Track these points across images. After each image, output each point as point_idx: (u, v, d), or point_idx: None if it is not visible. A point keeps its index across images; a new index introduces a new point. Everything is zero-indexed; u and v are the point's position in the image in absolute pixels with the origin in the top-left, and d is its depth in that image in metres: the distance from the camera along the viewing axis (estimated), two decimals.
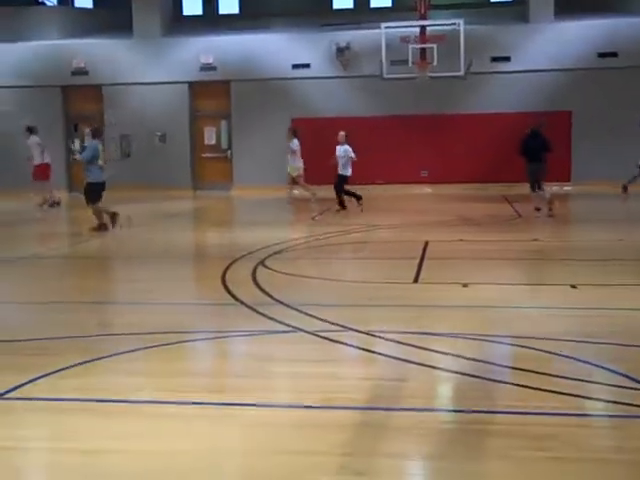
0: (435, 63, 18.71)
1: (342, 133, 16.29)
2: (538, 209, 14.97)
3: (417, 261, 9.66)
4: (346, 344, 5.92)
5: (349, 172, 16.05)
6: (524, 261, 10.00)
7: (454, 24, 18.77)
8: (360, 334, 6.13)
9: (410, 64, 18.94)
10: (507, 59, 21.80)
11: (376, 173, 21.65)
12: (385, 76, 19.19)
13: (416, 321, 6.56)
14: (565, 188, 21.10)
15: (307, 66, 22.59)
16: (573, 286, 7.88)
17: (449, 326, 6.39)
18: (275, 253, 10.56)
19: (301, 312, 6.83)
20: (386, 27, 18.91)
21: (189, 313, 7.26)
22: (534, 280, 8.71)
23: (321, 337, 6.03)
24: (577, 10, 21.82)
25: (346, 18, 23.77)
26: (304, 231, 13.36)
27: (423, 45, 18.93)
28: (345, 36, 22.41)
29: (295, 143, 17.41)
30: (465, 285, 8.07)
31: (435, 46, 18.69)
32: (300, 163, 17.36)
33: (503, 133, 21.49)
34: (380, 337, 6.03)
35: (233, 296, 7.68)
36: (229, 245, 12.34)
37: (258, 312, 6.90)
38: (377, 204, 17.51)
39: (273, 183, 21.09)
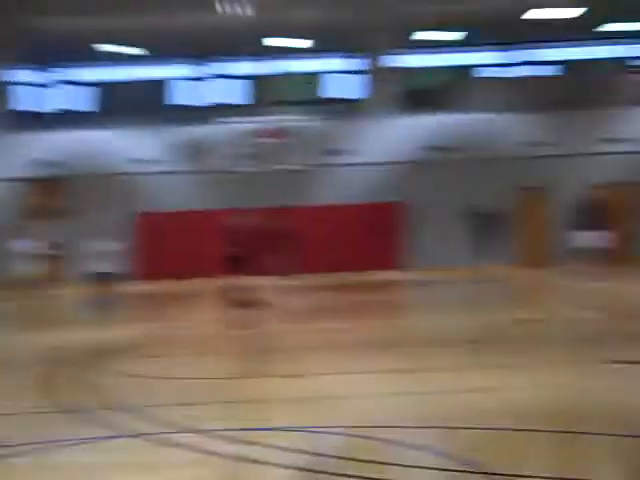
0: (280, 157, 19.10)
1: None
2: None
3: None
4: (177, 446, 5.63)
5: None
6: (362, 349, 10.02)
7: (301, 120, 19.26)
8: (191, 434, 5.86)
9: (255, 158, 19.23)
10: (342, 152, 22.51)
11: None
12: (233, 169, 19.34)
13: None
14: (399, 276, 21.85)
15: (149, 161, 22.58)
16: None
17: (286, 419, 6.25)
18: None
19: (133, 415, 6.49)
20: (232, 122, 19.17)
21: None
22: (376, 368, 8.73)
23: (150, 441, 5.72)
24: (410, 107, 23.02)
25: (187, 113, 24.04)
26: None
27: (268, 140, 19.25)
28: (188, 131, 22.58)
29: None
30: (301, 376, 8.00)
31: (281, 141, 19.09)
32: None
33: (340, 224, 22.19)
34: (211, 436, 5.79)
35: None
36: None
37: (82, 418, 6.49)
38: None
39: None
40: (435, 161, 22.47)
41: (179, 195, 22.43)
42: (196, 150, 22.43)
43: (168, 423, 6.16)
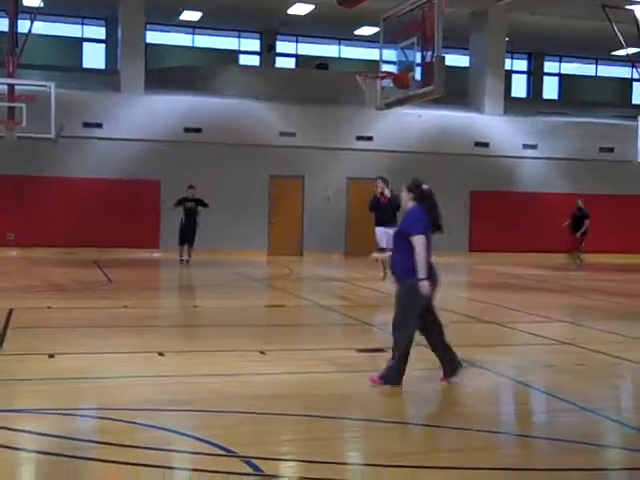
0: (25, 124, 18.11)
1: None
2: None
3: None
4: None
5: None
6: (113, 328, 10.00)
7: (45, 86, 18.39)
8: None
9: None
10: (99, 125, 21.96)
11: None
12: None
13: None
14: (155, 255, 21.79)
15: None
16: (160, 353, 8.12)
17: (33, 402, 6.15)
18: None
19: None
20: None
21: None
22: (123, 348, 8.75)
23: None
24: (165, 85, 22.89)
25: None
26: None
27: (11, 104, 18.23)
28: None
29: None
30: (51, 355, 7.84)
31: (24, 106, 18.11)
32: None
33: (95, 198, 21.65)
34: None
35: None
36: None
37: None
38: None
39: None
40: (188, 142, 22.51)
41: None
42: None
43: None
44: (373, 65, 28.69)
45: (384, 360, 7.07)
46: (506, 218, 24.55)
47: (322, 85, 24.21)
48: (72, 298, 12.73)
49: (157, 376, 7.16)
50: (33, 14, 19.41)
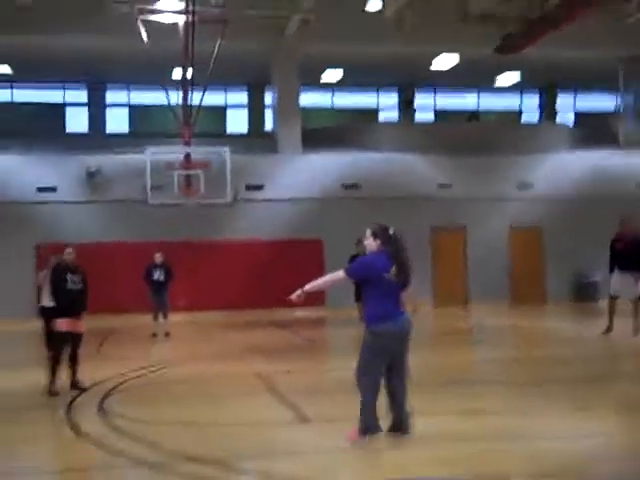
0: (202, 190, 18.44)
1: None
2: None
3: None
4: None
5: None
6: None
7: (219, 152, 18.78)
8: None
9: (175, 190, 18.48)
10: (260, 187, 22.26)
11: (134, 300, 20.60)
12: (150, 202, 18.51)
13: None
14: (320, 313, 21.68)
15: (54, 190, 21.42)
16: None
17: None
18: None
19: None
20: (153, 152, 18.36)
21: None
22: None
23: None
24: (323, 144, 23.06)
25: (91, 142, 23.05)
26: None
27: (189, 172, 18.60)
28: (94, 160, 21.58)
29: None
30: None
31: (201, 173, 18.47)
32: None
33: (258, 259, 21.88)
34: None
35: None
36: None
37: None
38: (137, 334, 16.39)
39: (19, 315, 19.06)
40: (347, 198, 22.56)
41: (88, 226, 21.32)
42: (102, 179, 21.56)
43: None
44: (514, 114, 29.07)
45: None
46: None
47: (475, 136, 23.98)
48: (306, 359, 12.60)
49: None
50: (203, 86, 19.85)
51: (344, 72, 26.17)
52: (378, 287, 6.55)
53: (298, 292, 6.79)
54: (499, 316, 19.74)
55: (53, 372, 9.54)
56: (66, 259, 9.78)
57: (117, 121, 27.23)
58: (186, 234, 21.36)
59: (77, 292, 9.72)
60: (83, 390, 9.72)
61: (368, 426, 6.53)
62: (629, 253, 13.49)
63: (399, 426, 6.66)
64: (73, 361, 9.84)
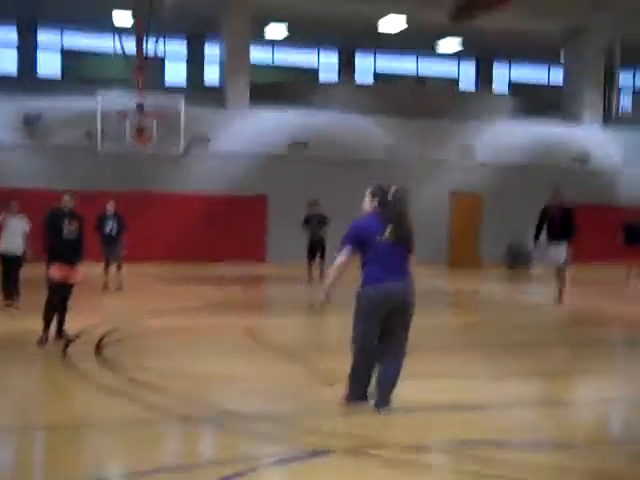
0: (155, 139, 17.90)
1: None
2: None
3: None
4: None
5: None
6: None
7: (174, 102, 18.24)
8: None
9: (128, 139, 17.86)
10: (207, 141, 21.79)
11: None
12: (100, 149, 17.85)
13: None
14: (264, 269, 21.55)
15: None
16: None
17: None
18: None
19: None
20: (104, 99, 17.66)
21: None
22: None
23: None
24: (270, 100, 22.72)
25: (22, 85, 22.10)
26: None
27: (143, 121, 17.98)
28: (32, 104, 20.65)
29: None
30: None
31: (155, 122, 17.91)
32: None
33: (201, 214, 21.56)
34: None
35: None
36: None
37: None
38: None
39: None
40: (294, 157, 22.39)
41: (29, 173, 20.42)
42: (42, 125, 20.66)
43: None
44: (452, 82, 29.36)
45: None
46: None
47: (421, 100, 24.12)
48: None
49: None
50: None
51: (288, 28, 25.79)
52: (371, 250, 6.22)
53: (323, 298, 6.42)
54: (440, 279, 20.09)
55: (46, 320, 9.21)
56: (64, 206, 9.33)
57: (49, 65, 26.04)
58: (131, 185, 20.75)
59: (73, 241, 9.32)
60: (70, 340, 9.43)
61: (354, 394, 6.30)
62: (557, 223, 13.88)
63: (380, 399, 6.28)
64: (62, 310, 9.49)
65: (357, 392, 6.29)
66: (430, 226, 23.47)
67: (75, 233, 9.34)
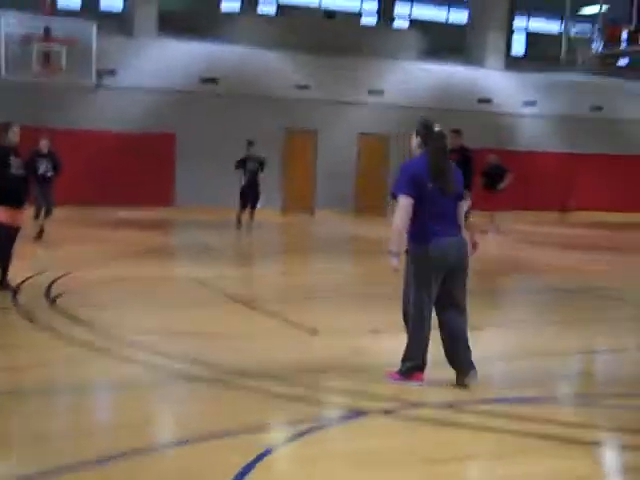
0: (64, 69, 16.76)
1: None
2: None
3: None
4: None
5: None
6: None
7: (84, 28, 17.09)
8: None
9: (34, 67, 16.63)
10: (112, 73, 20.53)
11: None
12: (3, 77, 16.54)
13: None
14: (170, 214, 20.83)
15: None
16: None
17: None
18: None
19: None
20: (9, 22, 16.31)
21: None
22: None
23: None
24: (180, 30, 21.62)
25: None
26: None
27: (50, 47, 16.76)
28: None
29: None
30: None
31: (64, 50, 16.73)
32: None
33: (106, 153, 20.44)
34: None
35: None
36: None
37: None
38: None
39: None
40: (205, 93, 21.56)
41: None
42: None
43: None
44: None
45: None
46: None
47: (329, 35, 23.48)
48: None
49: None
50: None
51: None
52: (422, 201, 5.43)
53: (394, 263, 5.48)
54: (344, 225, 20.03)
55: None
56: (9, 141, 8.50)
57: None
58: (35, 119, 19.37)
59: (20, 179, 8.55)
60: (14, 290, 8.76)
61: (416, 366, 5.63)
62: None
63: (460, 368, 5.61)
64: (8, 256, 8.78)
65: (418, 364, 5.62)
66: (338, 169, 23.42)
67: (20, 170, 8.58)
